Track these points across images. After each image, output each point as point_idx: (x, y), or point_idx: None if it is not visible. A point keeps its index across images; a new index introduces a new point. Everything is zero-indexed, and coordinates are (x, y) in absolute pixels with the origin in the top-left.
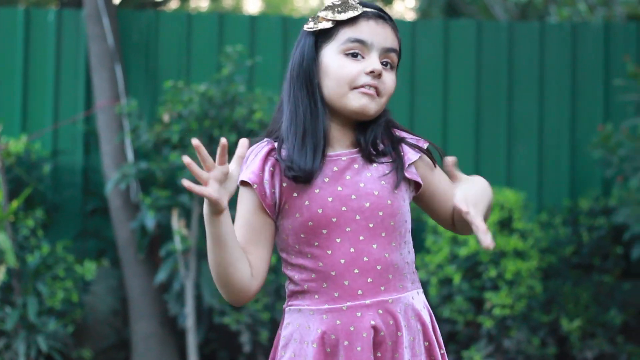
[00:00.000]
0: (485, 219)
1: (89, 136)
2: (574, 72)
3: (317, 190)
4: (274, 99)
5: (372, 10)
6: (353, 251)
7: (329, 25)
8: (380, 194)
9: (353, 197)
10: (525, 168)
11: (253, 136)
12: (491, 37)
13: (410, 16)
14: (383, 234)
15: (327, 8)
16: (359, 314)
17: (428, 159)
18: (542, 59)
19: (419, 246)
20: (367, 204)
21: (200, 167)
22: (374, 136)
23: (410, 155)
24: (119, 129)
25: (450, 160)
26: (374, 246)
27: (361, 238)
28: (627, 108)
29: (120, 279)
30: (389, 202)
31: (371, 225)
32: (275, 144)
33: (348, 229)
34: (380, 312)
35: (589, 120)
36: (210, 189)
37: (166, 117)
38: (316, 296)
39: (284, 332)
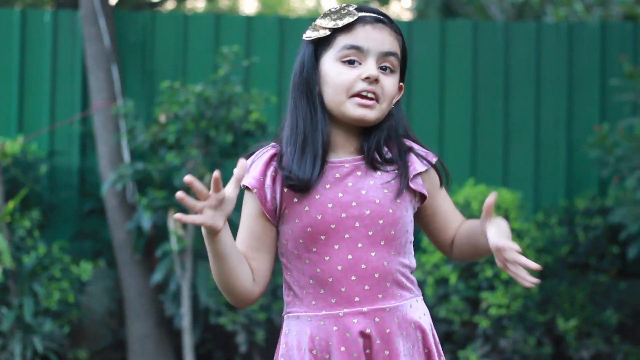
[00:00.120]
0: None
1: (85, 137)
2: (570, 72)
3: (317, 196)
4: (270, 99)
5: (370, 14)
6: (351, 258)
7: (326, 33)
8: (381, 202)
9: (354, 204)
10: (522, 168)
11: (249, 136)
12: (487, 37)
13: (406, 16)
14: (382, 242)
15: (324, 16)
16: (355, 321)
17: (435, 175)
18: (539, 59)
19: (415, 246)
20: (368, 212)
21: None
22: (377, 143)
23: (417, 165)
24: (116, 130)
25: (491, 199)
26: (373, 254)
27: (360, 245)
28: (623, 108)
29: (116, 280)
30: (390, 210)
31: (370, 233)
32: (279, 149)
33: (347, 236)
34: (377, 320)
35: (585, 120)
36: (203, 217)
37: (162, 118)
38: (314, 302)
39: (284, 339)
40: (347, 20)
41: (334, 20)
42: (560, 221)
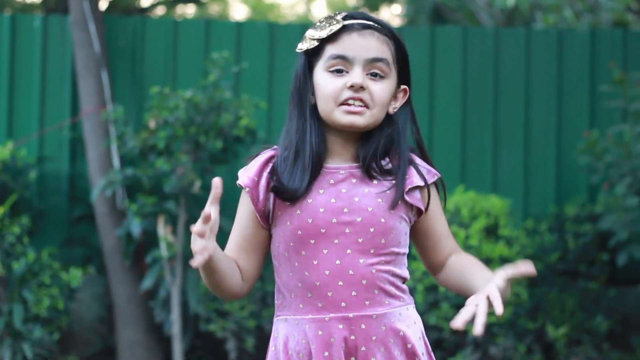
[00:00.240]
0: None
1: (75, 143)
2: (560, 79)
3: (310, 200)
4: (260, 105)
5: (356, 22)
6: (339, 263)
7: (314, 44)
8: (374, 210)
9: (345, 210)
10: (511, 174)
11: (239, 142)
12: (477, 43)
13: (396, 22)
14: (372, 251)
15: (313, 26)
16: (340, 326)
17: (433, 194)
18: (528, 66)
19: None
20: (359, 219)
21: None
22: (374, 152)
23: (414, 179)
24: (105, 136)
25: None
26: (361, 261)
27: (348, 251)
28: (613, 114)
29: (106, 286)
30: (383, 220)
31: (360, 240)
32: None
33: (336, 241)
34: (363, 326)
35: (575, 126)
36: (204, 255)
37: (152, 124)
38: (301, 306)
39: (273, 342)
40: (331, 29)
41: (321, 30)
42: (550, 228)
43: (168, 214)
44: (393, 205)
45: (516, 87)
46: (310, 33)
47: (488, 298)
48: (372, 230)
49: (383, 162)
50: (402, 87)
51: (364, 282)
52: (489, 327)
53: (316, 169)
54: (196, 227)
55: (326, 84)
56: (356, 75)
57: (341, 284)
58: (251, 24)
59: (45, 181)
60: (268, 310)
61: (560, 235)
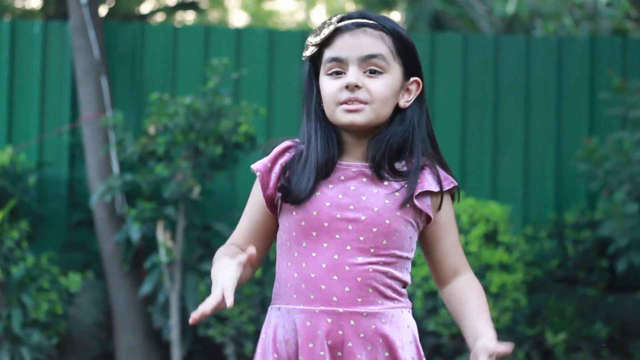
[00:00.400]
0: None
1: (74, 148)
2: (559, 86)
3: (317, 193)
4: (259, 111)
5: (349, 22)
6: (337, 258)
7: (313, 50)
8: (380, 211)
9: (351, 207)
10: (511, 181)
11: (238, 148)
12: (477, 50)
13: None
14: (372, 250)
15: (312, 33)
16: (329, 320)
17: (448, 203)
18: (528, 73)
19: None
20: (363, 217)
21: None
22: (383, 152)
23: (426, 184)
24: (105, 141)
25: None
26: (359, 259)
27: (348, 248)
28: (612, 121)
29: (105, 291)
30: (387, 221)
31: (362, 239)
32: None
33: (337, 236)
34: (352, 323)
35: (574, 133)
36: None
37: (152, 130)
38: (294, 296)
39: (264, 329)
40: (324, 33)
41: (316, 36)
42: (549, 234)
43: (167, 219)
44: (401, 206)
45: (516, 94)
46: (309, 39)
47: None
48: (375, 230)
49: (398, 165)
50: (413, 79)
51: (358, 279)
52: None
53: (322, 174)
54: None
55: (326, 87)
56: (350, 75)
57: (336, 278)
58: (251, 30)
59: (44, 186)
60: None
61: (560, 242)
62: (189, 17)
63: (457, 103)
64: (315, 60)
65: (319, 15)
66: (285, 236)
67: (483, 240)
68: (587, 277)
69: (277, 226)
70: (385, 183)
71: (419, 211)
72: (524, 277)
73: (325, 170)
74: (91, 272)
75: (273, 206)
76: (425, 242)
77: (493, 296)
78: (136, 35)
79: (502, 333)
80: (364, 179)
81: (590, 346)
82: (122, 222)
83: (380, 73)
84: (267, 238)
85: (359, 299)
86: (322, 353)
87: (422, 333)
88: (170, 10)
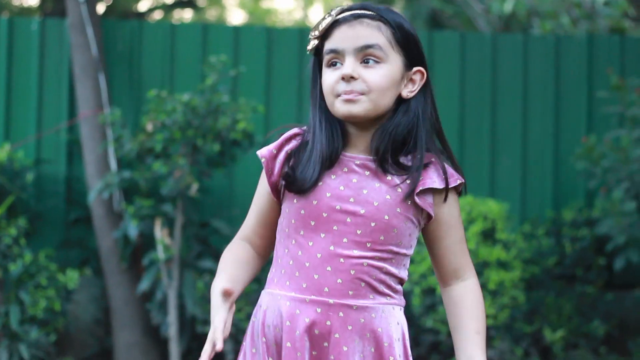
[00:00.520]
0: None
1: (72, 145)
2: (557, 84)
3: (320, 183)
4: (257, 108)
5: (346, 14)
6: (332, 249)
7: (314, 43)
8: (379, 206)
9: (351, 199)
10: (509, 179)
11: (236, 146)
12: (475, 49)
13: None
14: (368, 245)
15: (313, 27)
16: (318, 310)
17: (452, 201)
18: (526, 71)
19: None
20: (362, 211)
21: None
22: (386, 145)
23: (428, 181)
24: (102, 138)
25: None
26: (355, 252)
27: (345, 240)
28: (610, 120)
29: (102, 288)
30: (386, 217)
31: (359, 232)
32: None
33: (335, 228)
34: (341, 314)
35: (572, 131)
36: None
37: (149, 127)
38: (288, 283)
39: (254, 313)
40: (322, 25)
41: (316, 29)
42: (547, 232)
43: (165, 216)
44: (402, 202)
45: (514, 92)
46: (311, 34)
47: None
48: (373, 225)
49: (404, 159)
50: (416, 69)
51: (352, 272)
52: (486, 330)
53: (327, 165)
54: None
55: (325, 79)
56: (346, 66)
57: (329, 269)
58: (249, 28)
59: (42, 183)
60: None
61: (558, 240)
62: (186, 15)
63: (455, 101)
64: (320, 53)
65: (316, 14)
66: (285, 223)
67: (481, 237)
68: (585, 275)
69: (279, 212)
70: (389, 177)
71: (420, 208)
72: (522, 275)
73: (329, 162)
74: (89, 269)
75: (277, 192)
76: (427, 240)
77: (491, 293)
78: (134, 33)
79: (501, 330)
80: (367, 172)
81: (589, 343)
82: (120, 219)
83: (377, 63)
84: (276, 226)
85: (350, 292)
86: (307, 343)
87: (420, 330)
88: (167, 8)
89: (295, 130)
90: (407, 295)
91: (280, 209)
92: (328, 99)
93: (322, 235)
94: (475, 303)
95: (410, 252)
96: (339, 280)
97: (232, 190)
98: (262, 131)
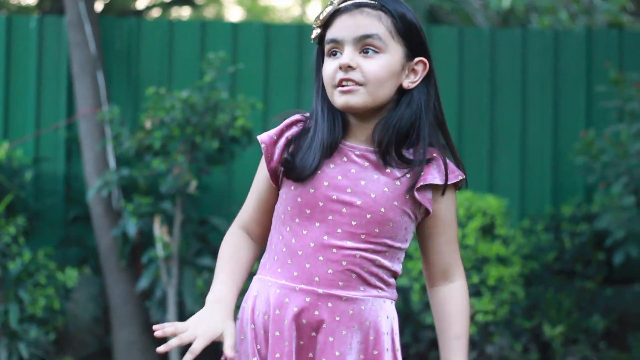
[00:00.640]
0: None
1: (70, 143)
2: (556, 79)
3: (318, 172)
4: (256, 105)
5: (348, 3)
6: (326, 239)
7: (317, 32)
8: (377, 198)
9: (348, 190)
10: (508, 174)
11: (235, 143)
12: (473, 44)
13: None
14: (363, 236)
15: (316, 16)
16: (307, 299)
17: (450, 197)
18: (525, 66)
19: None
20: (359, 202)
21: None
22: (389, 137)
23: (429, 177)
24: (101, 136)
25: None
26: (348, 243)
27: (339, 231)
28: (609, 114)
29: (102, 286)
30: (383, 210)
31: (354, 223)
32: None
33: (330, 217)
34: (330, 305)
35: (571, 126)
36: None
37: (148, 124)
38: (279, 270)
39: (244, 300)
40: (325, 14)
41: (318, 18)
42: (546, 228)
43: (164, 214)
44: (400, 196)
45: (512, 87)
46: (314, 22)
47: None
48: (368, 217)
49: (407, 153)
50: (418, 59)
51: (343, 263)
52: (485, 326)
53: (327, 154)
54: None
55: (325, 68)
56: (344, 56)
57: (321, 259)
58: (247, 25)
59: (41, 182)
60: None
61: (557, 235)
62: (184, 13)
63: (454, 97)
64: (322, 41)
65: (314, 11)
66: (281, 209)
67: (480, 233)
68: (585, 270)
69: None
70: (388, 170)
71: (418, 203)
72: (521, 270)
73: (329, 151)
74: (88, 268)
75: (276, 178)
76: (421, 235)
77: (490, 289)
78: (132, 30)
79: (500, 326)
80: (366, 163)
81: (588, 339)
82: (119, 217)
83: (376, 53)
84: (273, 211)
85: (340, 283)
86: (294, 333)
87: (420, 326)
88: (165, 6)
89: (297, 116)
90: (406, 291)
91: (278, 195)
92: (327, 89)
93: (317, 224)
94: (459, 307)
95: (406, 245)
96: (330, 271)
97: (231, 187)
98: (260, 128)
